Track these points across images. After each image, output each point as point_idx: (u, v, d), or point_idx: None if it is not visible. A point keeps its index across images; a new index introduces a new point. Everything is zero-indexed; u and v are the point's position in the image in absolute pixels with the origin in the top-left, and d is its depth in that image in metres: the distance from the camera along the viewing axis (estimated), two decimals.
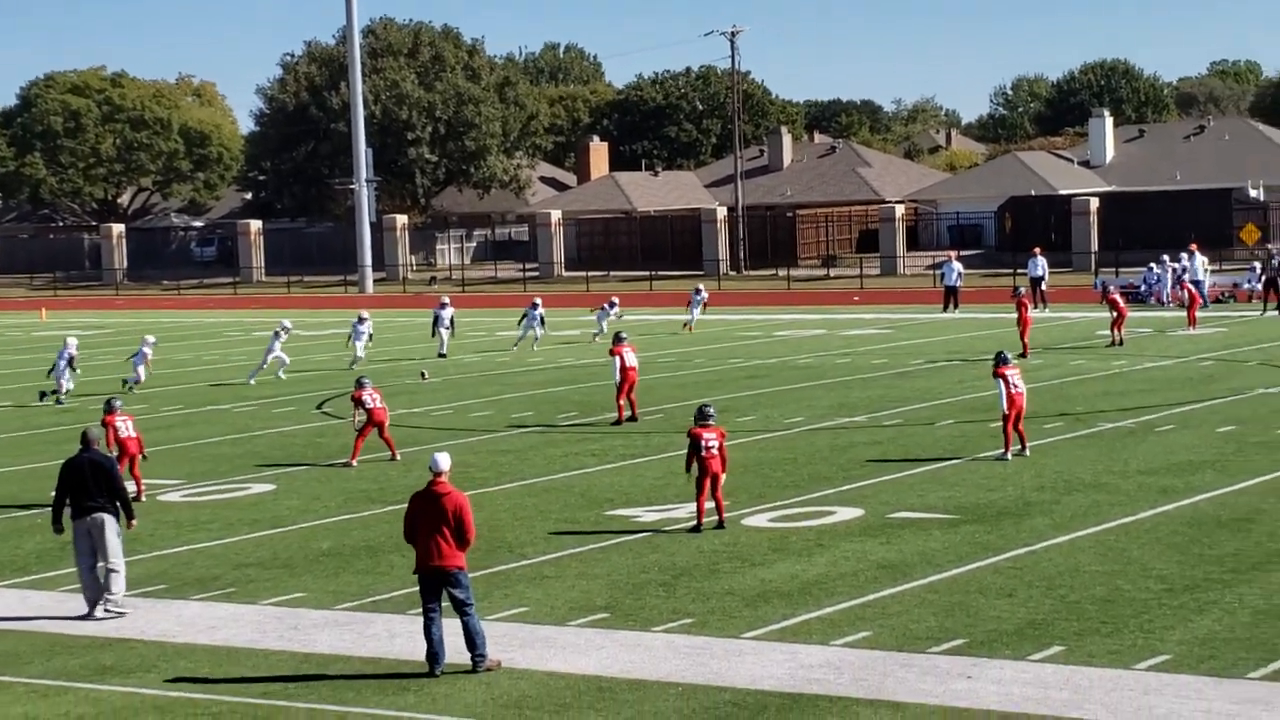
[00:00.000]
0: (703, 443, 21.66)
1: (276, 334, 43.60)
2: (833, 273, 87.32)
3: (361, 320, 46.31)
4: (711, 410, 22.37)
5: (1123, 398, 33.55)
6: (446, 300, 50.10)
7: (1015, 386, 26.28)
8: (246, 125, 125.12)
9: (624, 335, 34.23)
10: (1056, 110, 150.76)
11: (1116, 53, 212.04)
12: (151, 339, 43.19)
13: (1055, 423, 30.07)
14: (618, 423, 32.31)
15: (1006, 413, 26.14)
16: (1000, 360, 26.62)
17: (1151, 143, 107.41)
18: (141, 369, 41.67)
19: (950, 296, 59.28)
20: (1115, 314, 44.76)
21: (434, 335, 48.79)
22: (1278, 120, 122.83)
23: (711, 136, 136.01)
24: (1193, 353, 41.87)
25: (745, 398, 35.88)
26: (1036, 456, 26.37)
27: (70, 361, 40.48)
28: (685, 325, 54.74)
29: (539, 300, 51.68)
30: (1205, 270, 59.41)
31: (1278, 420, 29.36)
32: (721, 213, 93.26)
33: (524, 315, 49.98)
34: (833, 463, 26.78)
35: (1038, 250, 62.43)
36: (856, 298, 70.31)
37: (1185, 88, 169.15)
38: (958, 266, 60.70)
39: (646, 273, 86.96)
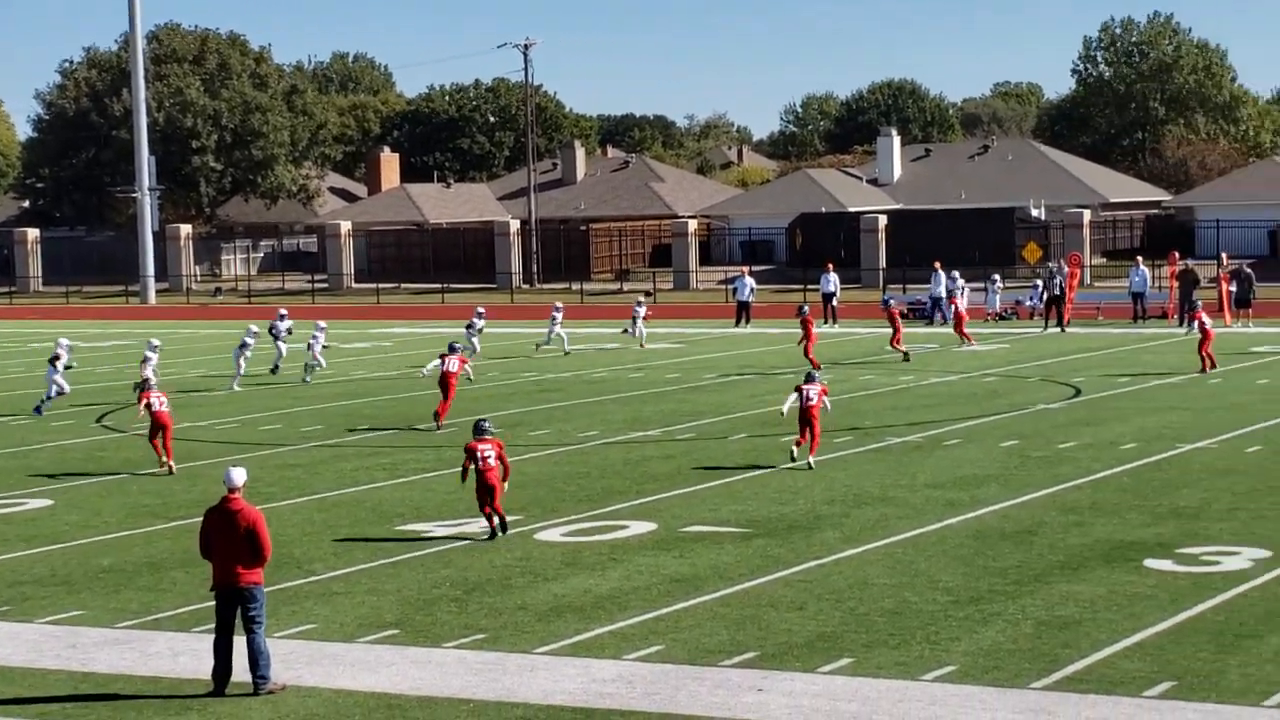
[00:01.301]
0: (479, 455, 21.89)
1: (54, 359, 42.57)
2: (626, 287, 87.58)
3: (282, 318, 46.18)
4: (488, 424, 22.69)
5: (910, 412, 34.10)
6: (284, 311, 48.38)
7: (809, 399, 26.94)
8: (25, 131, 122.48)
9: (457, 346, 35.60)
10: (846, 128, 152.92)
11: (904, 73, 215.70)
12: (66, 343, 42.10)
13: (845, 437, 30.45)
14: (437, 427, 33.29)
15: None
16: (808, 379, 27.65)
17: (937, 162, 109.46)
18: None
19: (742, 312, 59.87)
20: (893, 329, 45.91)
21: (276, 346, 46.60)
22: (1059, 141, 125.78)
23: (504, 149, 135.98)
24: (977, 369, 42.68)
25: (538, 411, 35.86)
26: (826, 470, 26.70)
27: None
28: (628, 333, 53.42)
29: (482, 310, 51.55)
30: (958, 288, 60.76)
31: (1058, 435, 30.03)
32: (514, 225, 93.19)
33: (468, 326, 49.63)
34: (626, 476, 26.85)
35: (830, 266, 63.39)
36: (650, 312, 70.50)
37: (970, 108, 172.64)
38: (750, 282, 61.32)
39: (439, 285, 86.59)
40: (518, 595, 18.70)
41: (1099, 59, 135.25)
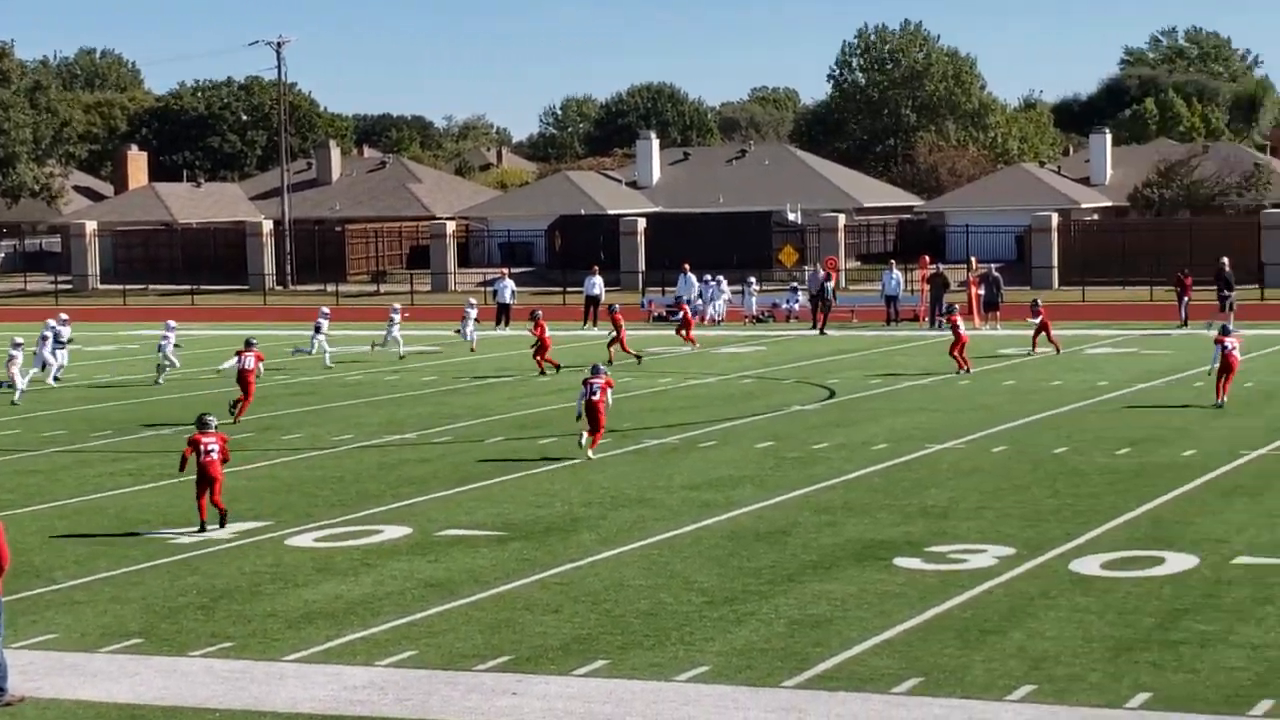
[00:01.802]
0: (202, 447, 22.31)
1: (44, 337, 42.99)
2: (383, 289, 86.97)
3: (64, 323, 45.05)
4: (211, 418, 23.15)
5: (667, 414, 34.34)
6: (65, 316, 46.77)
7: (594, 393, 28.14)
8: None
9: (254, 341, 36.43)
10: (605, 131, 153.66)
11: (663, 77, 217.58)
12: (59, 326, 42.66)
13: (603, 439, 30.52)
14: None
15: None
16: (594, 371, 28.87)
17: (696, 165, 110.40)
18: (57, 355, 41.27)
19: (502, 314, 59.85)
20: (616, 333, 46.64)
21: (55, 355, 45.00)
22: (815, 146, 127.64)
23: (257, 148, 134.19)
24: (734, 370, 43.14)
25: (291, 415, 35.44)
26: (583, 472, 26.79)
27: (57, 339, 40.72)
28: (459, 334, 52.16)
29: (327, 310, 50.75)
30: (712, 292, 61.70)
31: (812, 436, 30.47)
32: (268, 226, 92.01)
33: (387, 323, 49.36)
34: (381, 481, 26.65)
35: (595, 269, 63.69)
36: (407, 314, 70.05)
37: (728, 113, 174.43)
38: (510, 284, 61.34)
39: (189, 286, 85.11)
40: (267, 602, 18.43)
41: (854, 65, 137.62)
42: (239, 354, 35.44)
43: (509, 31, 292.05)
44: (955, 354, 41.35)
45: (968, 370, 40.88)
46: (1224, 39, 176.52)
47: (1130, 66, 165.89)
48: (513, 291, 60.89)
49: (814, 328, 56.48)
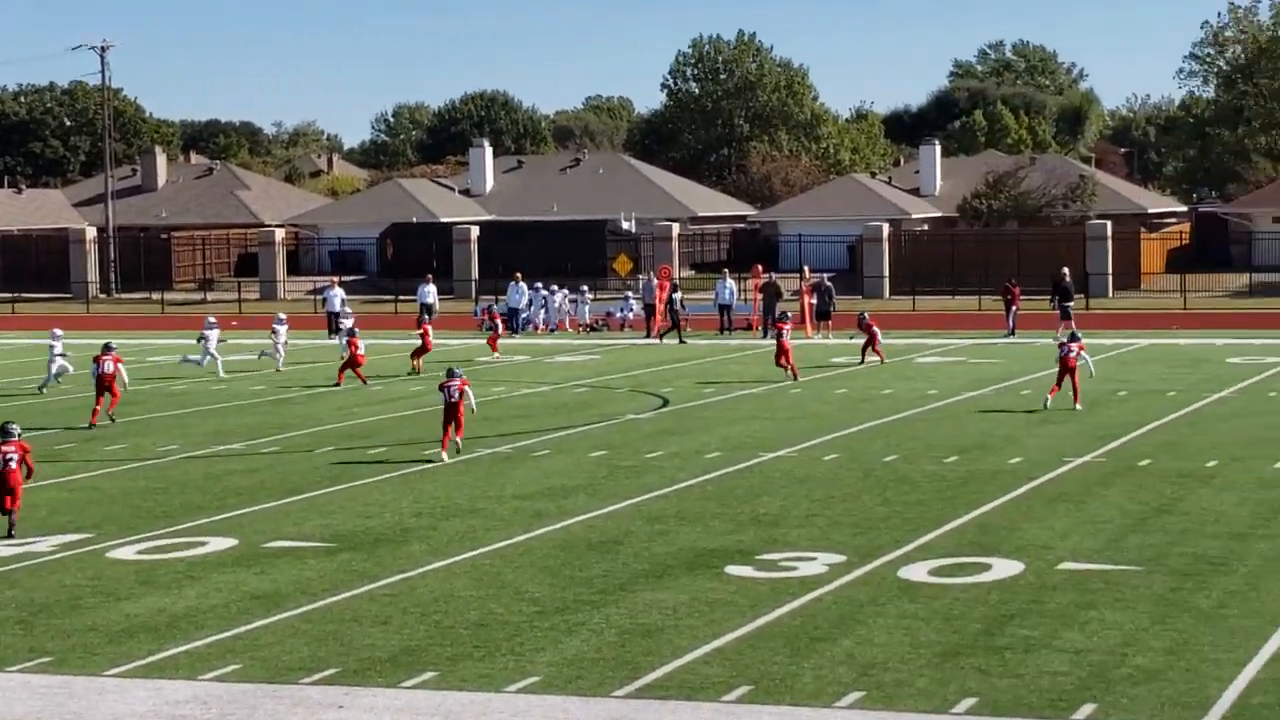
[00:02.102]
0: (2, 456, 22.37)
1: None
2: (210, 296, 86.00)
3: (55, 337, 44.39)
4: (14, 426, 23.11)
5: (500, 424, 34.24)
6: (59, 331, 45.68)
7: (453, 395, 29.31)
8: None
9: (112, 345, 36.61)
10: (438, 139, 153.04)
11: (496, 84, 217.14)
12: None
13: (435, 448, 30.35)
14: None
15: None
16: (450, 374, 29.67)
17: (530, 174, 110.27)
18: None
19: (333, 322, 59.38)
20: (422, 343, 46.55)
21: None
22: (649, 155, 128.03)
23: (80, 154, 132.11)
24: (568, 379, 43.15)
25: (115, 425, 34.85)
26: (414, 482, 26.63)
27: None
28: (267, 355, 48.64)
29: (213, 319, 48.86)
30: (543, 300, 61.96)
31: (646, 445, 30.53)
32: (91, 233, 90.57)
33: (199, 336, 47.60)
34: (207, 492, 26.30)
35: (429, 277, 63.49)
36: (235, 322, 69.37)
37: (562, 121, 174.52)
38: (340, 292, 60.95)
39: (9, 295, 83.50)
40: (88, 616, 18.10)
41: (688, 75, 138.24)
42: (97, 359, 35.45)
43: (341, 37, 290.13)
44: (783, 363, 41.67)
45: (795, 378, 41.22)
46: (1050, 53, 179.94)
47: (959, 79, 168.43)
48: (343, 300, 60.45)
49: (649, 336, 56.72)
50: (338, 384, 42.24)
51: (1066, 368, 34.74)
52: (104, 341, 37.71)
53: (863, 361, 45.61)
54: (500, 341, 51.38)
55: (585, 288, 65.02)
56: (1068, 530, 21.58)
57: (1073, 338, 36.11)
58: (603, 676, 15.32)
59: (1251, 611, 17.10)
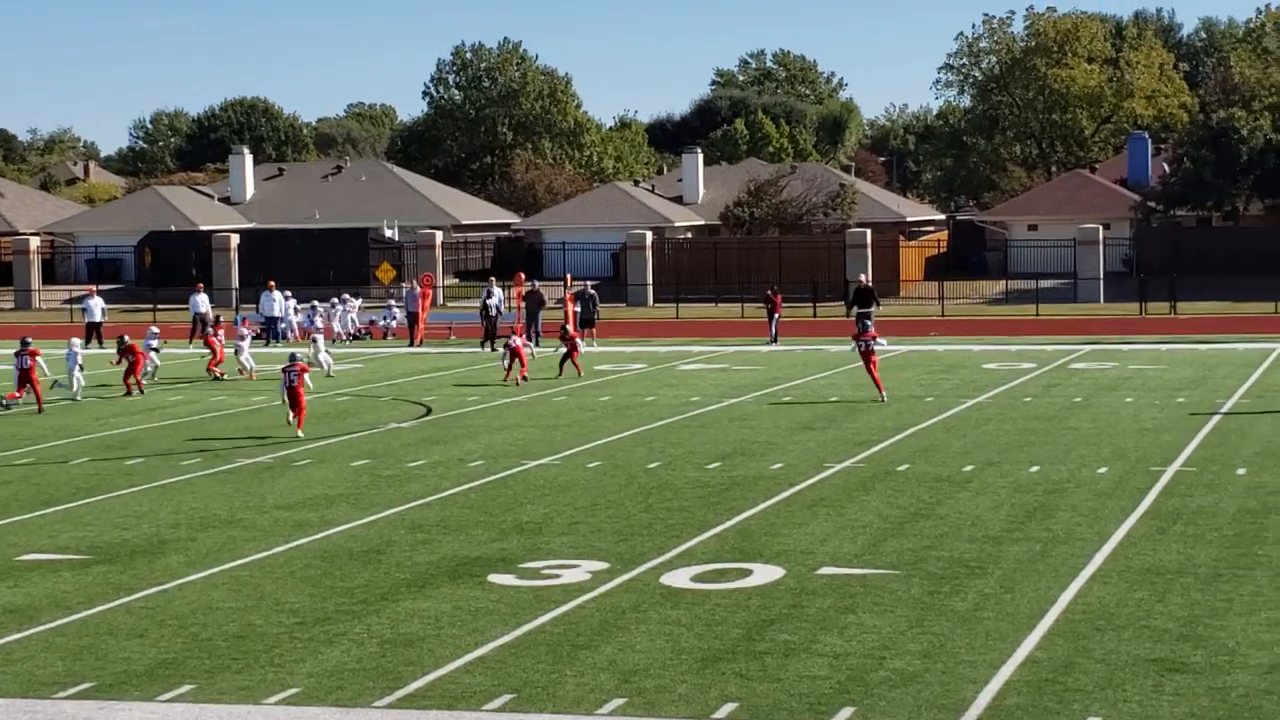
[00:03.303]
0: None
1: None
2: None
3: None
4: None
5: (261, 432, 33.79)
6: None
7: (291, 380, 33.00)
8: None
9: (29, 340, 39.20)
10: (198, 146, 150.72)
11: (257, 91, 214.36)
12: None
13: (194, 459, 29.90)
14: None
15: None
16: None
17: (291, 181, 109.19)
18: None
19: (93, 332, 58.24)
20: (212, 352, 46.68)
21: None
22: (412, 163, 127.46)
23: None
24: (329, 388, 42.71)
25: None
26: (173, 493, 26.17)
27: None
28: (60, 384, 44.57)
29: (156, 330, 47.95)
30: (287, 308, 61.42)
31: (409, 453, 30.36)
32: None
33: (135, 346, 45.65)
34: None
35: (200, 286, 62.29)
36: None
37: (325, 129, 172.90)
38: (99, 301, 59.85)
39: None
40: None
41: (450, 82, 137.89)
42: (18, 355, 38.47)
43: (96, 41, 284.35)
44: (510, 374, 42.71)
45: (515, 383, 42.22)
46: (810, 62, 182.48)
47: (721, 88, 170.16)
48: (103, 309, 59.34)
49: (411, 344, 56.44)
50: (129, 393, 41.48)
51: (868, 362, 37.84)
52: (22, 337, 39.51)
53: (559, 374, 44.80)
54: (257, 351, 50.64)
55: (347, 295, 64.44)
56: (827, 535, 21.87)
57: (863, 328, 39.63)
58: (364, 687, 15.18)
59: (1006, 614, 17.47)
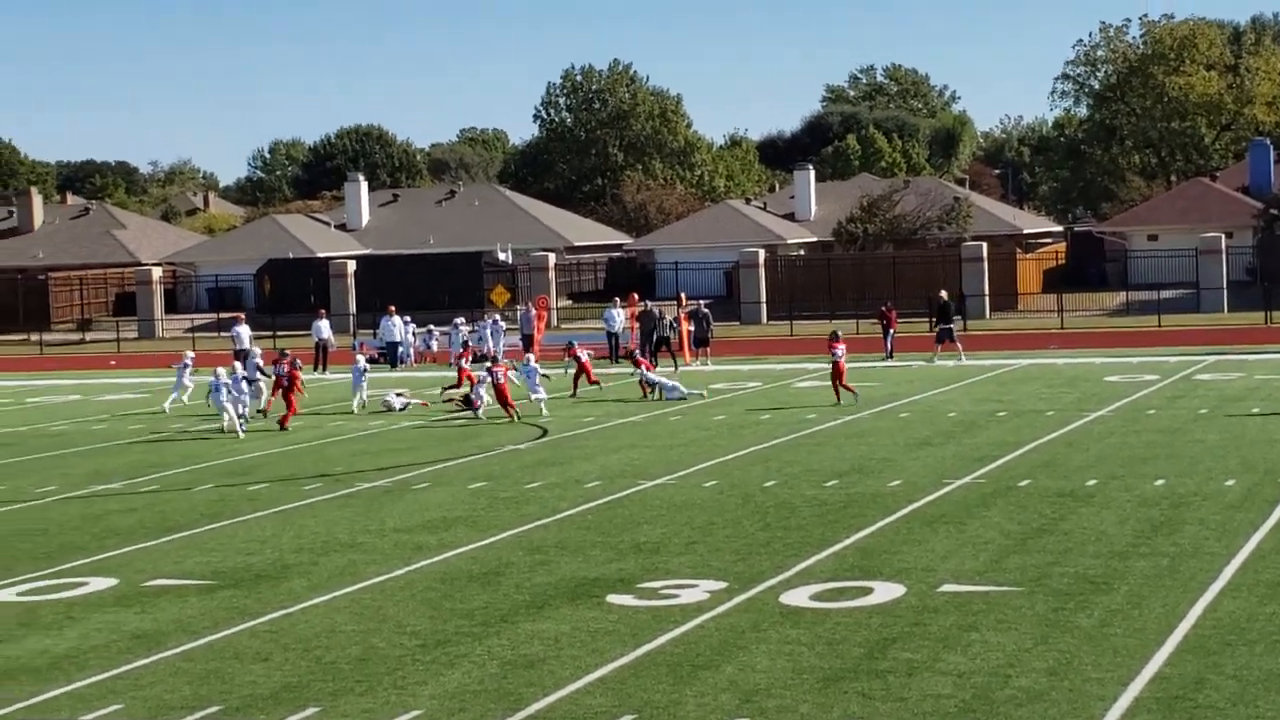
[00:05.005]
0: None
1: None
2: (88, 337, 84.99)
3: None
4: None
5: (379, 457, 34.03)
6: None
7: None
8: None
9: (285, 352, 41.35)
10: (314, 174, 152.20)
11: (371, 118, 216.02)
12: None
13: (314, 484, 30.15)
14: None
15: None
16: None
17: (405, 207, 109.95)
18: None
19: (241, 359, 57.82)
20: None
21: None
22: (524, 186, 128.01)
23: None
24: (446, 411, 42.87)
25: None
26: (295, 518, 26.39)
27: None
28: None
29: (191, 355, 48.56)
30: (406, 332, 61.35)
31: (525, 475, 30.43)
32: None
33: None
34: (86, 532, 25.92)
35: (322, 312, 62.71)
36: (114, 362, 68.62)
37: (438, 154, 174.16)
38: (246, 329, 58.18)
39: None
40: None
41: (561, 105, 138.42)
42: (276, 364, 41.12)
43: (214, 74, 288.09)
44: (840, 384, 41.95)
45: (840, 399, 41.42)
46: (922, 76, 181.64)
47: (832, 104, 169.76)
48: (250, 336, 57.65)
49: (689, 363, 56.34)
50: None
51: (836, 370, 40.97)
52: None
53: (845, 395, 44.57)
54: (377, 375, 50.71)
55: (459, 320, 63.95)
56: (948, 552, 21.69)
57: (835, 337, 42.16)
58: (485, 709, 15.21)
59: (1133, 630, 17.23)
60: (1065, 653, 16.40)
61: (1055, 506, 24.97)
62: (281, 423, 40.11)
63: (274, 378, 41.93)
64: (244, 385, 41.08)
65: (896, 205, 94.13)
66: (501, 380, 40.64)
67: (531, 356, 44.64)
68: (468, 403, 41.48)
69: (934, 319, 56.09)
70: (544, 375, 42.69)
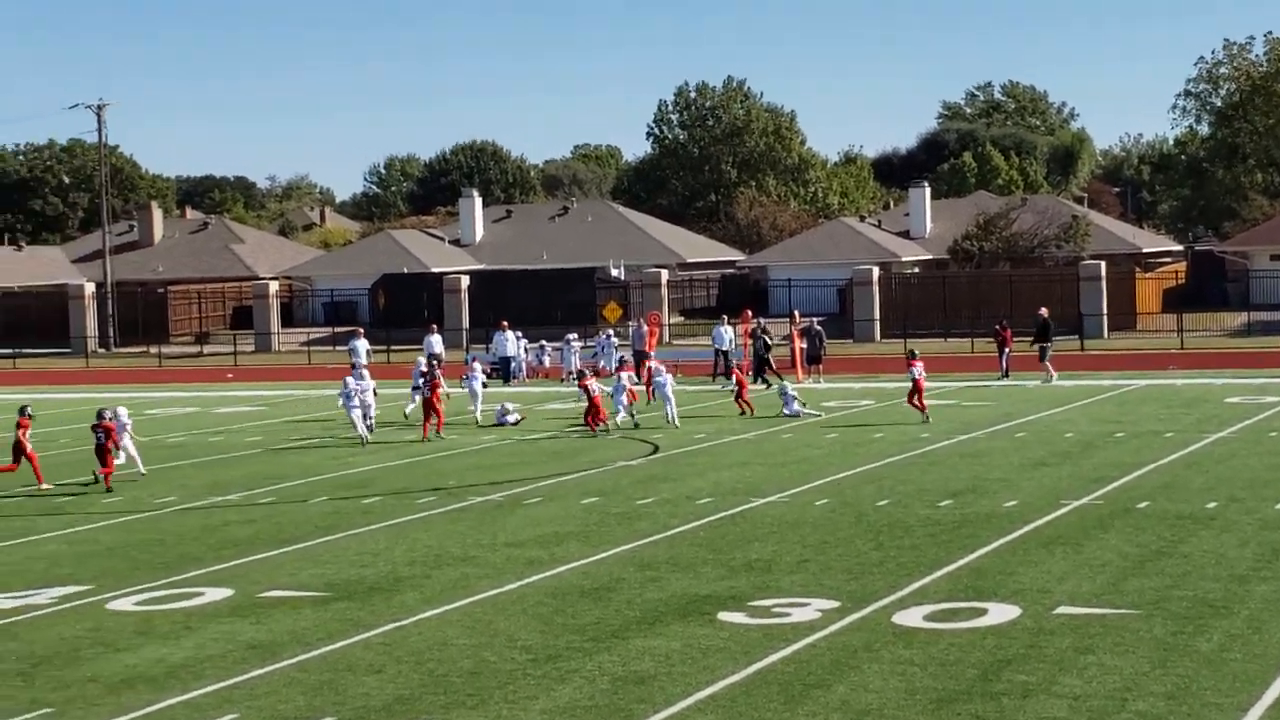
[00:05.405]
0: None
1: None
2: (206, 350, 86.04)
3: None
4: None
5: (491, 471, 34.18)
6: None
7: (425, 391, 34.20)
8: None
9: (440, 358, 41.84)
10: (428, 189, 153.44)
11: (485, 134, 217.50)
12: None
13: (428, 497, 30.34)
14: None
15: None
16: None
17: (519, 222, 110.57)
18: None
19: (503, 367, 59.38)
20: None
21: None
22: (637, 203, 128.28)
23: (79, 210, 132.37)
24: (559, 427, 43.01)
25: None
26: (408, 531, 26.57)
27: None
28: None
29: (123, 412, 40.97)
30: (519, 346, 61.45)
31: (637, 491, 30.46)
32: (90, 289, 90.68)
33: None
34: (203, 543, 26.23)
35: (434, 327, 63.24)
36: (230, 375, 69.40)
37: (551, 170, 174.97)
38: (364, 343, 57.86)
39: (10, 350, 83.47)
40: (87, 667, 18.03)
41: (674, 122, 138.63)
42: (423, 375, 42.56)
43: (331, 89, 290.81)
44: (915, 403, 41.94)
45: (925, 419, 41.32)
46: (1040, 92, 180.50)
47: (948, 120, 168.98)
48: (368, 350, 56.61)
49: (638, 382, 56.31)
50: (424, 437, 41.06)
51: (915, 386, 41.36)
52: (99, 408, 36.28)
53: (924, 415, 43.28)
54: (490, 390, 50.70)
55: (571, 336, 63.88)
56: (1065, 574, 21.48)
57: (912, 355, 42.42)
58: None
59: (1254, 655, 17.00)
60: (1183, 677, 16.20)
61: (1174, 529, 24.67)
62: (435, 430, 41.11)
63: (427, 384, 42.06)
64: (369, 395, 41.69)
65: (1013, 223, 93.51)
66: (596, 393, 41.19)
67: (624, 375, 44.43)
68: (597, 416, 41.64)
69: (1034, 338, 55.47)
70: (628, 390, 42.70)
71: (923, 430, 39.51)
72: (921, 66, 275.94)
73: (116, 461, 34.60)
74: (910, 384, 42.23)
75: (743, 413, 44.10)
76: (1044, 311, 56.29)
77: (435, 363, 46.29)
